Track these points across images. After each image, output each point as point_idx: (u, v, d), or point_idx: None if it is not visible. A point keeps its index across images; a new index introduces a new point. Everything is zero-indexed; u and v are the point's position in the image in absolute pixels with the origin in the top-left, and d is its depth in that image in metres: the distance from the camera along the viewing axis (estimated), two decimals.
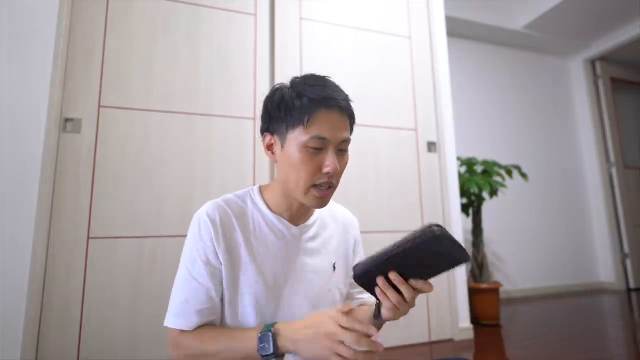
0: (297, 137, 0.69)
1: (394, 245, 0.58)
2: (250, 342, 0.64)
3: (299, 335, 0.61)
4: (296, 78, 0.75)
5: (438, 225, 0.55)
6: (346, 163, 0.74)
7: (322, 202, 0.72)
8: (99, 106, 1.62)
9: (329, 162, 0.68)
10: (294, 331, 0.62)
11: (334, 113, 0.70)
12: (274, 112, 0.73)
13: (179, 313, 0.69)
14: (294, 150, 0.69)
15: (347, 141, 0.72)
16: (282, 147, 0.72)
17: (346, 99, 0.73)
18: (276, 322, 0.65)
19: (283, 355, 0.63)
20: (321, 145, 0.69)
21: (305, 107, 0.69)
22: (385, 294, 0.61)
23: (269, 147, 0.76)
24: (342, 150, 0.72)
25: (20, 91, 1.48)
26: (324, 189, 0.70)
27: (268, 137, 0.75)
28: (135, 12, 1.73)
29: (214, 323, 0.71)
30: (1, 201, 1.40)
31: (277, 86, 0.75)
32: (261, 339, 0.63)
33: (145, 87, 1.70)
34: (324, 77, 0.74)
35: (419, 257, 0.58)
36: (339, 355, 0.57)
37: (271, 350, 0.61)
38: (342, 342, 0.57)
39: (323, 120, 0.69)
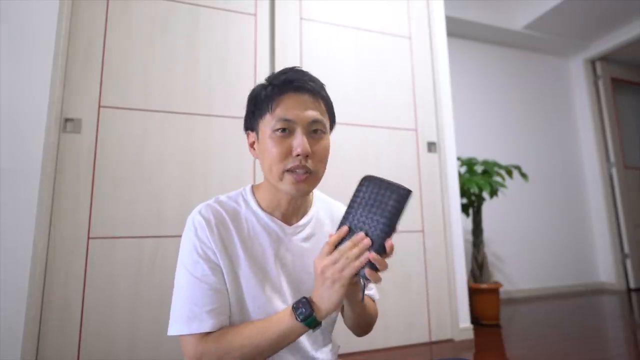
0: (266, 125, 0.70)
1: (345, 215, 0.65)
2: (284, 317, 0.64)
3: (316, 295, 0.63)
4: (270, 74, 0.75)
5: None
6: (325, 147, 0.71)
7: (299, 188, 0.69)
8: (99, 106, 1.62)
9: (297, 143, 0.67)
10: (314, 296, 0.63)
11: (300, 95, 0.69)
12: (248, 109, 0.75)
13: (190, 317, 0.65)
14: (265, 138, 0.69)
15: (318, 122, 0.70)
16: (258, 140, 0.73)
17: (313, 79, 0.72)
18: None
19: (320, 323, 0.63)
20: (286, 126, 0.68)
21: (269, 94, 0.70)
22: (376, 271, 0.61)
23: (252, 145, 0.76)
24: (315, 132, 0.70)
25: (21, 91, 1.48)
26: (299, 173, 0.68)
27: (249, 135, 0.77)
28: (134, 12, 1.73)
29: (226, 324, 0.68)
30: (1, 201, 1.40)
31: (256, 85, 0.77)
32: (296, 307, 0.63)
33: (144, 87, 1.70)
34: (294, 66, 0.74)
35: (370, 206, 0.62)
36: (342, 272, 0.59)
37: (309, 311, 0.62)
38: (335, 264, 0.60)
39: (287, 102, 0.69)
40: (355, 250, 0.60)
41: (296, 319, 0.62)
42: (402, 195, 0.60)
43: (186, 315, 0.66)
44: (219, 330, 0.66)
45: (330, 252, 0.62)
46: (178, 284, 0.69)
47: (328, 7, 2.09)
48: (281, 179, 0.69)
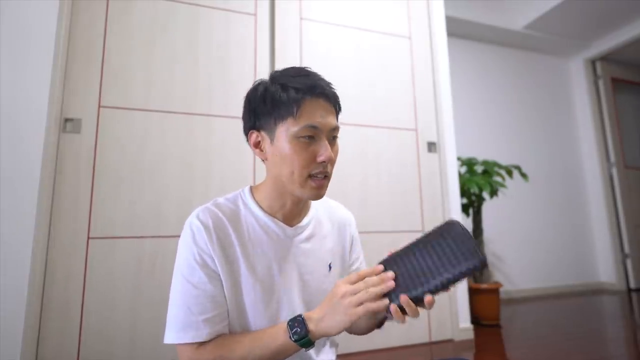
0: (287, 129, 0.67)
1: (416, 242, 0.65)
2: (278, 333, 0.63)
3: (321, 313, 0.62)
4: (275, 72, 0.73)
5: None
6: (337, 152, 0.73)
7: (319, 192, 0.70)
8: (99, 106, 1.62)
9: (323, 150, 0.67)
10: (317, 313, 0.63)
11: (321, 101, 0.69)
12: (259, 108, 0.71)
13: (186, 325, 0.64)
14: (285, 142, 0.68)
15: (336, 129, 0.71)
16: (272, 142, 0.70)
17: (329, 85, 0.72)
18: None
19: (313, 343, 0.63)
20: (312, 133, 0.67)
21: (293, 98, 0.67)
22: (402, 312, 0.59)
23: (256, 145, 0.74)
24: (333, 138, 0.71)
25: (21, 91, 1.48)
26: (319, 178, 0.69)
27: (254, 135, 0.74)
28: (134, 12, 1.73)
29: (224, 332, 0.67)
30: (1, 201, 1.40)
31: (258, 82, 0.74)
32: (292, 325, 0.63)
33: (144, 87, 1.69)
34: (303, 67, 0.73)
35: (442, 254, 0.60)
36: (360, 305, 0.59)
37: (304, 331, 0.61)
38: (354, 295, 0.60)
39: (311, 108, 0.68)
40: (377, 289, 0.59)
41: (290, 337, 0.62)
42: (478, 264, 0.57)
43: (181, 323, 0.65)
44: (215, 339, 0.66)
45: (357, 282, 0.62)
46: (174, 290, 0.68)
47: (328, 7, 2.09)
48: (303, 184, 0.68)
